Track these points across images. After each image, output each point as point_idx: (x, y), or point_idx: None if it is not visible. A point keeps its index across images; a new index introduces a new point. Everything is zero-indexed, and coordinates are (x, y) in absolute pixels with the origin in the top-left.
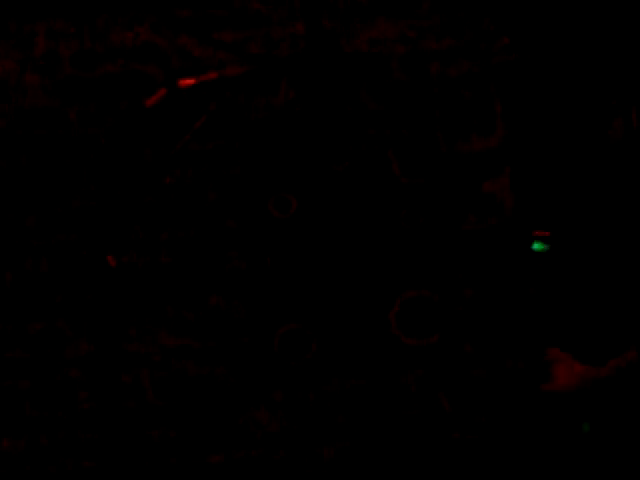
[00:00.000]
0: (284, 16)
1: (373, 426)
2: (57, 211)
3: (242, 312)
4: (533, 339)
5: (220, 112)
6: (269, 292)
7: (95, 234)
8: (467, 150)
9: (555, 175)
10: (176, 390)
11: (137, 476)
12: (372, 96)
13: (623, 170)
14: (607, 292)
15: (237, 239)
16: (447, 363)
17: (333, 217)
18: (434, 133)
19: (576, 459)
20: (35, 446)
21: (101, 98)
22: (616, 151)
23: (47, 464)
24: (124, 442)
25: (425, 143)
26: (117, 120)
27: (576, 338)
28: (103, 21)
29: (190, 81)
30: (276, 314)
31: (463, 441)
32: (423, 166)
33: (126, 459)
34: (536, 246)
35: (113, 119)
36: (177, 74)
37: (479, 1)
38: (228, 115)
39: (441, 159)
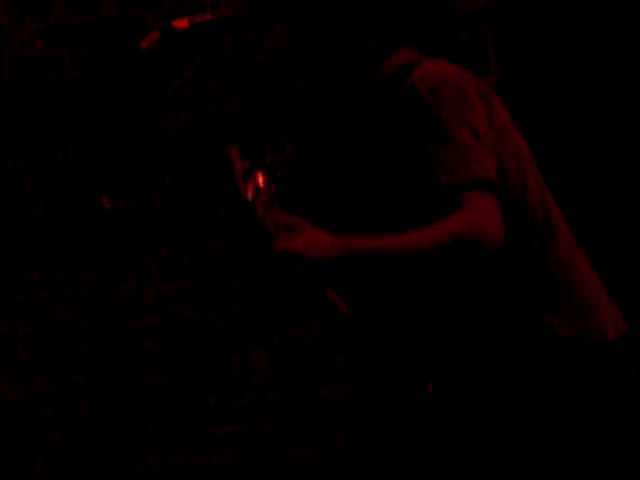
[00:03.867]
0: None
1: (372, 366)
2: (52, 156)
3: (237, 254)
4: None
5: (215, 54)
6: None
7: (90, 179)
8: None
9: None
10: (171, 334)
11: (134, 420)
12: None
13: None
14: None
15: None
16: None
17: (326, 159)
18: None
19: None
20: (32, 390)
21: (96, 42)
22: None
23: (44, 408)
24: (120, 386)
25: None
26: (112, 63)
27: None
28: None
29: (184, 22)
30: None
31: None
32: None
33: (122, 403)
34: None
35: (108, 62)
36: (171, 17)
37: None
38: (223, 58)
39: None
